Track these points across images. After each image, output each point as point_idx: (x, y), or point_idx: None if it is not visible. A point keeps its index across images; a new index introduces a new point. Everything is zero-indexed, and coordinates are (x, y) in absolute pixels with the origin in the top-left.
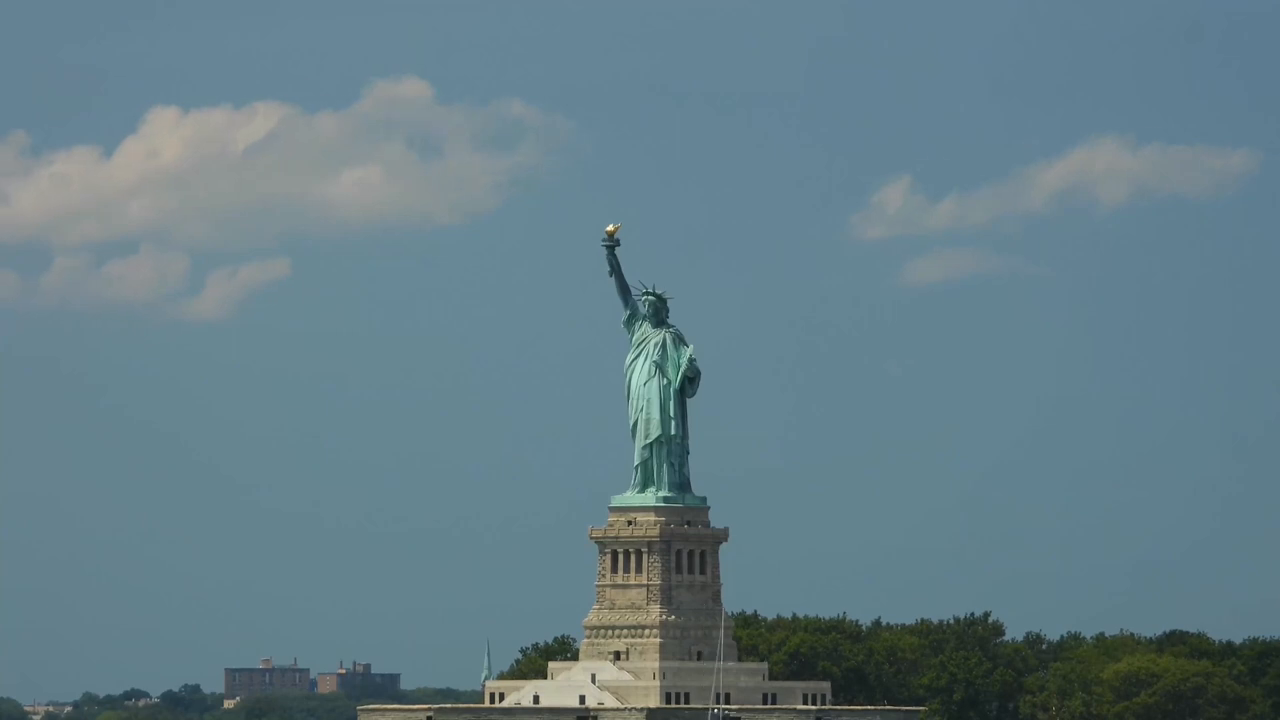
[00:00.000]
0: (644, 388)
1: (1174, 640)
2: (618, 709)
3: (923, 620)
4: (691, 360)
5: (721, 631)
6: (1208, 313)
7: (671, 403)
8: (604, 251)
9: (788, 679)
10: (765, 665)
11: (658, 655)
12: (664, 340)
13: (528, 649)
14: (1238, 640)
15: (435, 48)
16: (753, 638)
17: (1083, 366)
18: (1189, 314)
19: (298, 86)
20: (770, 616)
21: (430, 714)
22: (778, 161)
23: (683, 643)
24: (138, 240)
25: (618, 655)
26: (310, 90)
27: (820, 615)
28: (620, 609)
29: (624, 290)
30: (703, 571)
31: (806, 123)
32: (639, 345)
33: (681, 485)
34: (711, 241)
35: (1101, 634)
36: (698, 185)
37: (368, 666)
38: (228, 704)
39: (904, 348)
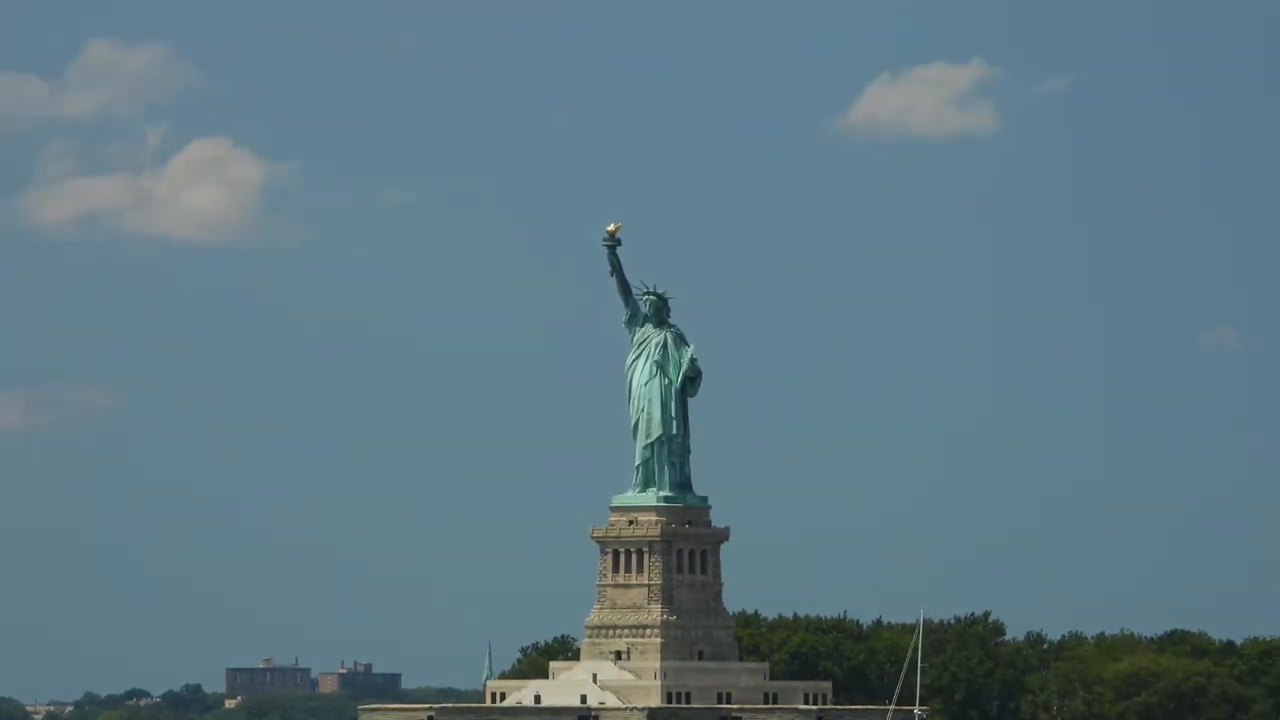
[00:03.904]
0: (645, 388)
1: (1175, 640)
2: (619, 709)
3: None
4: (693, 360)
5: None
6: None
7: (673, 402)
8: (604, 251)
9: (789, 679)
10: (766, 665)
11: (659, 655)
12: (665, 340)
13: (529, 649)
14: (1239, 640)
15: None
16: (753, 638)
17: (1081, 366)
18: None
19: None
20: (770, 616)
21: (431, 714)
22: (778, 160)
23: (684, 643)
24: None
25: (619, 655)
26: None
27: (821, 615)
28: (621, 609)
29: (625, 290)
30: (704, 571)
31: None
32: (640, 345)
33: (682, 485)
34: (712, 241)
35: (1102, 634)
36: (698, 183)
37: (369, 666)
38: (229, 704)
39: (905, 347)
